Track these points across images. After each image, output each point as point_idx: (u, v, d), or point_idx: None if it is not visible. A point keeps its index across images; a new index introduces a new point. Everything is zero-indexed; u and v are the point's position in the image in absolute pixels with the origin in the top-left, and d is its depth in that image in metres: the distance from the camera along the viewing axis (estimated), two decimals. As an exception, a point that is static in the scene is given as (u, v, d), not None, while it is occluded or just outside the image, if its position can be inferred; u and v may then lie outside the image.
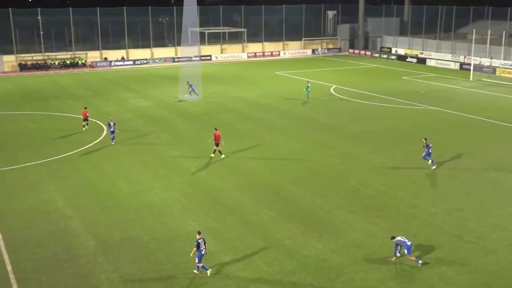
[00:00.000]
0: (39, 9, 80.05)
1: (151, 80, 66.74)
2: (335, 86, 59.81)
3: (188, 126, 41.94)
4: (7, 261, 20.36)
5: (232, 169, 31.27)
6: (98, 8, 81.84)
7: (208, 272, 19.50)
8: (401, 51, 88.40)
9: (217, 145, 32.84)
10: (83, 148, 35.47)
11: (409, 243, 20.09)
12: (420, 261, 20.13)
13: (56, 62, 78.95)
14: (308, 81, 53.80)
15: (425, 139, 31.66)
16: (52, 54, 79.95)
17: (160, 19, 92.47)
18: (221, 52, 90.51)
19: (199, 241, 19.59)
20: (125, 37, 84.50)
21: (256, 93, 55.95)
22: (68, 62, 79.55)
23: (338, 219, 24.29)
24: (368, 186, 28.37)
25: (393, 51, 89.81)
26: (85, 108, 41.51)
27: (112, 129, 36.26)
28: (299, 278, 19.30)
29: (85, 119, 40.33)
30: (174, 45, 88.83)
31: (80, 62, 79.97)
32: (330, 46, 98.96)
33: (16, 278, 19.24)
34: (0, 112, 47.30)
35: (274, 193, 27.44)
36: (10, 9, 77.65)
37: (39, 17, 78.86)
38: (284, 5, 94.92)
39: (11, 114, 46.55)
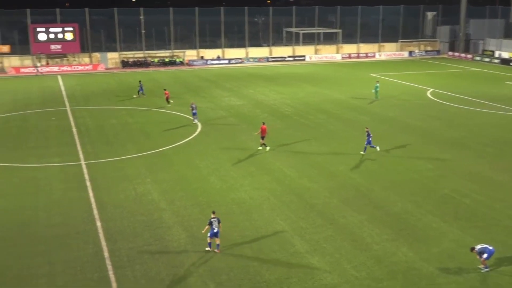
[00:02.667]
0: (141, 9, 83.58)
1: (245, 79, 67.72)
2: (432, 89, 57.82)
3: (279, 125, 42.16)
4: (105, 248, 21.43)
5: (322, 170, 31.09)
6: (196, 8, 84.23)
7: (208, 249, 20.97)
8: (505, 55, 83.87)
9: (262, 138, 34.56)
10: (178, 143, 36.63)
11: (491, 248, 19.17)
12: (487, 269, 19.22)
13: (156, 60, 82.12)
14: (377, 81, 53.41)
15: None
16: (152, 52, 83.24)
17: (256, 19, 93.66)
18: (315, 53, 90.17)
19: (212, 220, 20.98)
20: (222, 36, 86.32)
21: (348, 94, 55.27)
22: (166, 60, 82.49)
23: (430, 227, 23.47)
24: (463, 194, 27.19)
25: (496, 54, 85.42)
26: (165, 89, 50.96)
27: (194, 111, 41.84)
28: (387, 285, 18.84)
29: (167, 99, 49.30)
30: (268, 45, 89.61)
31: (178, 60, 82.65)
32: (428, 48, 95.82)
33: (112, 264, 20.20)
34: (103, 106, 49.90)
35: (364, 196, 26.98)
36: (115, 9, 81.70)
37: (141, 17, 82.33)
38: (381, 6, 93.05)
39: (113, 108, 48.92)
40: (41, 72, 73.50)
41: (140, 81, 55.78)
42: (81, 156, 34.00)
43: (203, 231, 21.56)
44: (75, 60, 79.97)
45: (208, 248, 21.22)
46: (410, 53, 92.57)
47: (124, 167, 31.70)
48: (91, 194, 27.31)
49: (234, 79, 67.34)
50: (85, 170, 31.10)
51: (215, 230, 20.95)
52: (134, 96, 54.18)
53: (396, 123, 42.73)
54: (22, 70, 75.28)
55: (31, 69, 75.30)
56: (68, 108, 49.53)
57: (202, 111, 46.30)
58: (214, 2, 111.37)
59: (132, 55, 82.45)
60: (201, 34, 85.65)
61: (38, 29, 77.14)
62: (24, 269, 19.87)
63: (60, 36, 77.86)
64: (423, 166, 31.70)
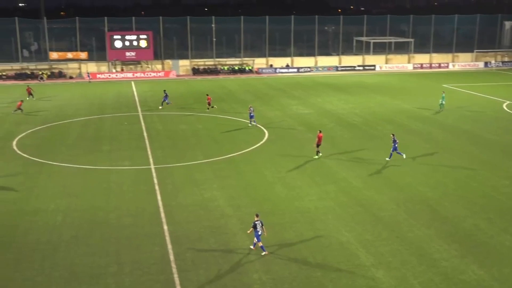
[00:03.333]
0: (213, 17, 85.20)
1: (313, 88, 67.53)
2: (508, 102, 55.56)
3: (346, 135, 41.73)
4: (170, 251, 21.88)
5: (389, 182, 30.49)
6: (267, 16, 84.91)
7: (264, 253, 21.41)
8: None
9: (318, 145, 34.87)
10: (245, 150, 36.97)
11: None
12: None
13: (226, 68, 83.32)
14: (443, 92, 52.57)
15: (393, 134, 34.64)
16: (222, 60, 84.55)
17: (326, 27, 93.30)
18: (386, 62, 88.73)
19: (256, 223, 21.57)
20: (291, 45, 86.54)
21: (418, 105, 53.97)
22: (236, 68, 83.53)
23: (504, 245, 22.49)
24: (540, 212, 25.91)
25: None
26: (207, 94, 52.81)
27: (251, 114, 44.39)
28: (455, 303, 18.21)
29: (209, 104, 51.03)
30: (338, 54, 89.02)
31: (247, 68, 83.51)
32: (506, 59, 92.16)
33: (177, 267, 20.60)
34: (173, 112, 51.10)
35: (432, 211, 26.22)
36: (188, 17, 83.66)
37: (213, 25, 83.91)
38: (456, 15, 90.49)
39: (183, 114, 49.97)
40: (90, 80, 76.09)
41: (164, 90, 54.31)
42: (151, 160, 34.93)
43: (248, 232, 22.45)
44: (148, 67, 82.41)
45: (252, 247, 21.88)
46: (486, 63, 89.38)
47: (192, 172, 32.30)
48: (159, 197, 28.00)
49: (302, 88, 67.28)
50: (154, 174, 31.94)
51: (259, 233, 21.57)
52: (160, 107, 52.92)
53: (468, 136, 41.34)
54: (98, 76, 78.30)
55: (107, 75, 78.23)
56: (140, 113, 51.07)
57: (269, 119, 46.70)
58: (285, 10, 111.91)
59: (202, 62, 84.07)
60: (271, 43, 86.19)
61: (115, 37, 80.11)
62: (94, 267, 20.59)
63: (135, 43, 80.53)
64: (498, 182, 30.46)
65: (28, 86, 61.12)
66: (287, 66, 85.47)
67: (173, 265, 20.78)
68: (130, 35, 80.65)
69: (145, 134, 42.21)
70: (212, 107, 51.56)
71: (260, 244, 21.65)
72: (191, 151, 37.27)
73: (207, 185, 29.95)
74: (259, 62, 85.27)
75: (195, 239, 23.01)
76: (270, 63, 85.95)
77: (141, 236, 23.31)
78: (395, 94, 61.93)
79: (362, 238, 23.09)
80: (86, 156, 35.79)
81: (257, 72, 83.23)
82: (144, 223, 24.63)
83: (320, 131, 35.80)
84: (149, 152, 36.79)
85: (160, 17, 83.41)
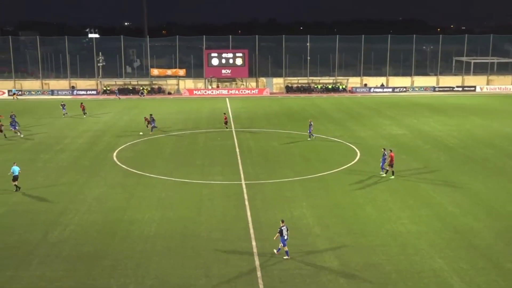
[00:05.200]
0: (308, 36, 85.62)
1: (408, 108, 65.88)
2: None
3: (442, 158, 40.25)
4: (258, 267, 21.99)
5: (488, 209, 28.98)
6: (363, 36, 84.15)
7: (287, 257, 22.40)
8: None
9: (391, 165, 34.35)
10: (336, 169, 36.61)
11: None
12: None
13: (319, 86, 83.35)
14: None
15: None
16: (315, 79, 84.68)
17: (424, 47, 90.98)
18: (487, 84, 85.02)
19: (282, 228, 22.46)
20: (387, 64, 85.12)
21: (523, 129, 51.11)
22: (329, 86, 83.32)
23: None
24: None
25: None
26: (224, 113, 53.35)
27: (310, 129, 45.03)
28: None
29: (225, 123, 51.60)
30: (436, 74, 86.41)
31: (341, 87, 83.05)
32: None
33: (264, 284, 20.64)
34: (266, 129, 51.69)
35: (535, 242, 24.59)
36: (283, 36, 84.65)
37: (307, 44, 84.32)
38: None
39: (275, 132, 50.36)
40: (119, 97, 78.17)
41: (151, 114, 51.35)
42: (242, 176, 35.44)
43: (274, 238, 23.15)
44: (242, 84, 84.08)
45: (286, 257, 22.54)
46: None
47: (282, 190, 32.40)
48: (248, 213, 28.30)
49: (397, 108, 65.85)
50: (244, 190, 32.36)
51: (285, 238, 22.43)
52: (141, 133, 49.35)
53: None
54: (195, 92, 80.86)
55: (203, 91, 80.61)
56: (233, 129, 52.09)
57: (362, 139, 46.10)
58: (381, 30, 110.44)
59: (296, 80, 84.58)
60: (366, 62, 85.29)
61: (212, 54, 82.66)
62: (184, 278, 21.10)
63: (231, 61, 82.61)
64: None
65: (81, 103, 63.12)
66: (382, 86, 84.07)
67: (260, 281, 20.85)
68: (227, 53, 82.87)
69: (237, 150, 42.95)
70: (226, 127, 51.70)
71: (286, 249, 22.50)
72: (281, 168, 37.46)
73: (297, 203, 29.91)
74: (353, 81, 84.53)
75: (282, 256, 22.98)
76: (364, 82, 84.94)
77: (230, 250, 23.63)
78: (496, 116, 59.06)
79: (456, 266, 22.06)
80: (180, 170, 36.93)
81: (350, 91, 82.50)
82: (233, 237, 24.96)
83: (391, 151, 35.26)
84: (241, 168, 37.36)
85: (256, 36, 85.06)
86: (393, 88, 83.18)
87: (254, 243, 24.30)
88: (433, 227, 26.37)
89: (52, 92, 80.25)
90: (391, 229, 26.10)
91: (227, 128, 51.62)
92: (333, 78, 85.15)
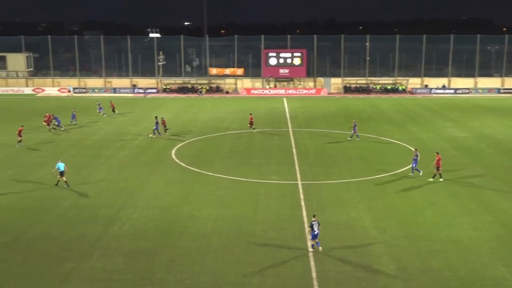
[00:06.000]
0: (368, 36, 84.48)
1: (471, 110, 63.98)
2: None
3: (507, 163, 38.83)
4: (313, 268, 21.86)
5: (555, 216, 27.75)
6: (424, 35, 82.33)
7: (320, 248, 23.11)
8: None
9: (437, 168, 33.66)
10: (395, 172, 35.95)
11: None
12: None
13: (378, 87, 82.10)
14: None
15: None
16: (374, 79, 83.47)
17: (488, 47, 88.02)
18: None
19: (313, 223, 23.20)
20: (449, 65, 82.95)
21: None
22: (389, 87, 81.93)
23: None
24: None
25: None
26: (251, 114, 51.54)
27: (354, 129, 45.26)
28: None
29: (251, 124, 49.69)
30: (501, 75, 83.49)
31: (400, 88, 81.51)
32: None
33: (319, 285, 20.49)
34: (323, 130, 51.36)
35: None
36: (342, 35, 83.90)
37: (367, 43, 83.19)
38: None
39: (332, 132, 49.94)
40: (146, 95, 78.81)
41: (156, 117, 49.53)
42: (298, 176, 35.35)
43: (306, 232, 24.10)
44: (300, 84, 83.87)
45: (311, 249, 23.24)
46: None
47: (339, 191, 32.11)
48: (304, 213, 28.19)
49: (459, 110, 64.05)
50: (300, 190, 32.26)
51: (315, 232, 23.09)
52: (151, 135, 48.03)
53: None
54: (253, 91, 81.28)
55: (260, 91, 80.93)
56: (290, 129, 52.04)
57: (422, 141, 45.13)
58: (443, 29, 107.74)
59: (354, 81, 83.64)
60: (427, 62, 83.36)
61: (270, 54, 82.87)
62: (238, 276, 21.24)
63: (288, 61, 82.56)
64: None
65: (111, 101, 63.73)
66: (444, 87, 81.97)
67: (315, 282, 20.72)
68: (285, 52, 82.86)
69: (294, 150, 42.88)
70: (253, 128, 50.42)
71: (313, 242, 23.27)
72: (338, 169, 37.12)
73: (353, 205, 29.57)
74: (413, 82, 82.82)
75: (338, 258, 22.77)
76: (425, 83, 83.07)
77: (285, 250, 23.61)
78: None
79: (520, 275, 21.24)
80: (237, 168, 37.20)
81: (410, 92, 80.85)
82: (288, 237, 24.92)
83: (438, 153, 34.43)
84: (297, 168, 37.27)
85: (315, 36, 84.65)
86: (455, 89, 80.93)
87: (309, 244, 24.14)
88: (495, 233, 25.48)
89: (114, 90, 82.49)
90: (451, 234, 25.39)
91: (254, 129, 50.41)
92: (393, 78, 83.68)
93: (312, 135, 48.87)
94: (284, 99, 75.35)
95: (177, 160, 39.55)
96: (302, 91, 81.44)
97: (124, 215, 27.92)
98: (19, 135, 43.87)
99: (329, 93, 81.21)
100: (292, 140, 46.75)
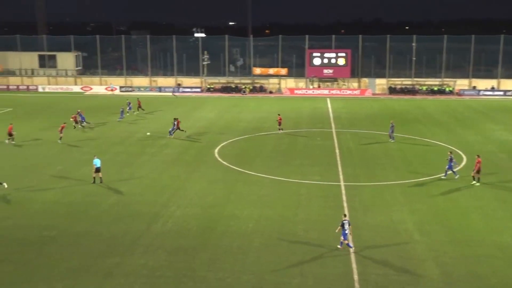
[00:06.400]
0: (414, 36, 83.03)
1: (522, 113, 62.07)
2: None
3: (559, 167, 37.51)
4: (354, 270, 21.64)
5: None
6: (473, 36, 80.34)
7: (352, 248, 23.09)
8: None
9: (478, 172, 32.89)
10: (440, 175, 35.19)
11: None
12: None
13: (424, 88, 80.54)
14: None
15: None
16: (421, 80, 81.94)
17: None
18: None
19: (344, 222, 23.31)
20: (499, 66, 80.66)
21: None
22: (435, 88, 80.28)
23: None
24: None
25: None
26: (279, 114, 50.05)
27: (391, 130, 44.97)
28: None
29: (279, 124, 48.91)
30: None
31: (447, 89, 79.79)
32: None
33: (360, 288, 20.34)
34: (367, 131, 50.77)
35: None
36: (388, 36, 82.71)
37: (413, 44, 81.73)
38: None
39: (376, 133, 49.31)
40: (176, 95, 78.95)
41: (174, 118, 49.05)
42: (341, 177, 35.05)
43: (336, 231, 23.76)
44: (344, 85, 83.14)
45: (339, 246, 23.41)
46: None
47: (382, 193, 31.69)
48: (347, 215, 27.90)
49: (509, 112, 62.25)
50: (343, 191, 31.98)
51: (346, 231, 23.15)
52: (148, 133, 48.89)
53: None
54: (296, 91, 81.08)
55: (304, 91, 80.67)
56: (333, 129, 51.66)
57: (469, 144, 44.09)
58: (493, 29, 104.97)
59: (400, 82, 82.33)
60: (475, 63, 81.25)
61: (314, 54, 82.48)
62: (279, 276, 21.22)
63: (333, 61, 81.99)
64: None
65: (138, 98, 64.40)
66: (493, 89, 79.76)
67: (357, 284, 20.51)
68: (329, 53, 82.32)
69: (337, 151, 42.54)
70: (280, 129, 49.68)
71: (347, 242, 23.21)
72: (382, 170, 36.63)
73: (397, 207, 29.12)
74: (461, 84, 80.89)
75: (380, 261, 22.47)
76: (473, 84, 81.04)
77: (326, 251, 23.46)
78: None
79: None
80: (279, 168, 37.16)
81: (458, 94, 79.05)
82: (329, 238, 24.73)
83: (479, 156, 33.46)
84: (340, 169, 36.96)
85: (360, 36, 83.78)
86: (505, 91, 78.60)
87: (351, 245, 23.94)
88: (545, 240, 24.66)
89: (159, 89, 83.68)
90: (498, 240, 24.70)
91: (281, 130, 49.78)
92: (440, 79, 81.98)
93: (355, 136, 48.38)
94: (328, 99, 74.86)
95: (219, 159, 39.81)
96: (346, 92, 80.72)
97: (167, 213, 28.28)
98: (60, 131, 45.30)
99: (373, 94, 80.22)
100: (335, 140, 46.39)
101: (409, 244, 24.24)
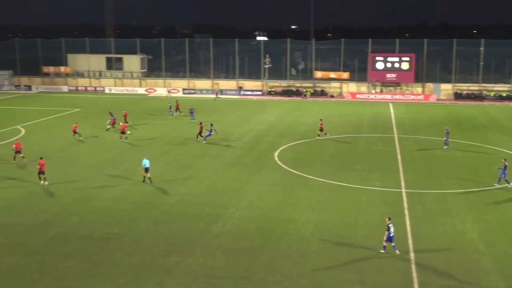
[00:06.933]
0: (482, 40, 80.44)
1: None
2: None
3: None
4: (415, 280, 21.16)
5: None
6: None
7: (397, 252, 23.16)
8: None
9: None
10: (507, 185, 33.91)
11: None
12: None
13: (492, 94, 77.87)
14: None
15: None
16: (488, 85, 79.25)
17: None
18: None
19: (389, 225, 23.22)
20: None
21: None
22: (504, 94, 77.46)
23: None
24: None
25: None
26: (321, 119, 49.41)
27: (446, 136, 44.24)
28: None
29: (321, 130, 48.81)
30: None
31: (517, 95, 76.86)
32: None
33: (421, 298, 19.86)
34: (430, 137, 49.57)
35: None
36: (454, 40, 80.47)
37: (481, 48, 79.19)
38: None
39: (440, 140, 47.97)
40: (220, 97, 79.51)
41: (211, 124, 48.29)
42: (403, 183, 34.37)
43: (384, 238, 23.43)
44: (407, 89, 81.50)
45: (382, 251, 23.28)
46: None
47: (446, 201, 30.86)
48: (407, 223, 27.35)
49: None
50: (404, 198, 31.35)
51: (391, 235, 23.13)
52: (204, 142, 46.55)
53: None
54: (358, 96, 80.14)
55: (366, 95, 79.63)
56: (395, 135, 50.73)
57: (539, 153, 42.21)
58: None
59: (466, 87, 79.95)
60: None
61: (377, 58, 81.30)
62: (337, 282, 20.98)
63: (396, 65, 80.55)
64: None
65: (177, 100, 64.73)
66: None
67: (417, 294, 20.08)
68: (393, 57, 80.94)
69: (399, 157, 41.74)
70: (325, 133, 48.61)
71: (393, 244, 23.20)
72: (446, 178, 35.66)
73: (460, 217, 28.27)
74: (532, 89, 77.74)
75: (442, 271, 21.87)
76: (545, 91, 77.73)
77: (385, 259, 23.05)
78: None
79: None
80: (339, 173, 36.84)
81: (528, 100, 75.98)
82: (390, 246, 24.30)
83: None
84: (401, 176, 36.26)
85: (425, 39, 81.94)
86: None
87: (412, 254, 23.45)
88: None
89: (221, 92, 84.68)
90: None
91: (326, 134, 48.84)
92: (509, 85, 79.01)
93: (418, 142, 47.32)
94: (390, 104, 73.57)
95: (279, 163, 39.87)
96: (409, 97, 79.10)
97: (227, 214, 28.58)
98: (122, 132, 47.19)
99: (438, 99, 78.24)
100: (397, 146, 45.53)
101: (473, 255, 23.48)
